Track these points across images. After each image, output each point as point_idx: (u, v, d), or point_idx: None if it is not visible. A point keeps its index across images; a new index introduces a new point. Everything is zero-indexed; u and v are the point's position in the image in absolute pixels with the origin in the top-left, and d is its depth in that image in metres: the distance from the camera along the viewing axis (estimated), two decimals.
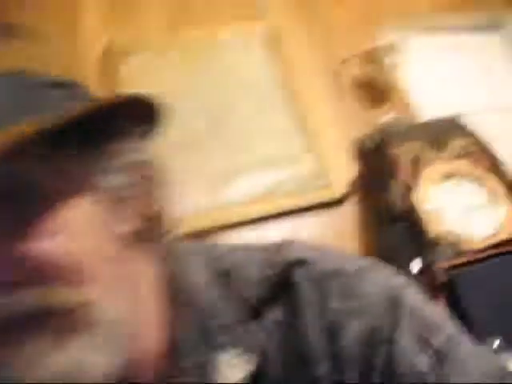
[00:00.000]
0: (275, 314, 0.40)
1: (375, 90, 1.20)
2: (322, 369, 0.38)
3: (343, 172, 1.09)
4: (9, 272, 0.32)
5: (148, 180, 0.39)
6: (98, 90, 1.08)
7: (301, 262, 0.42)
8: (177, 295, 0.40)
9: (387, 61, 1.19)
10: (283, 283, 0.41)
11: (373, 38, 1.21)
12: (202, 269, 0.42)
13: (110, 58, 1.12)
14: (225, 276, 0.42)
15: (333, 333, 0.39)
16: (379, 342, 0.38)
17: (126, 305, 0.36)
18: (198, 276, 0.41)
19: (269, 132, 1.11)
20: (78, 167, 0.36)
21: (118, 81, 1.11)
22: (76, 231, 0.34)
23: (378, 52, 1.19)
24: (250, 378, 0.38)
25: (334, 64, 1.22)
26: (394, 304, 0.40)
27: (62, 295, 0.33)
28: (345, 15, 1.29)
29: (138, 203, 0.38)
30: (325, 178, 1.08)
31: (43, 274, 0.32)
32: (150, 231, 0.39)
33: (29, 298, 0.32)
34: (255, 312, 0.40)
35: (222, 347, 0.38)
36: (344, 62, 1.23)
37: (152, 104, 0.38)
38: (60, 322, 0.33)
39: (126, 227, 0.37)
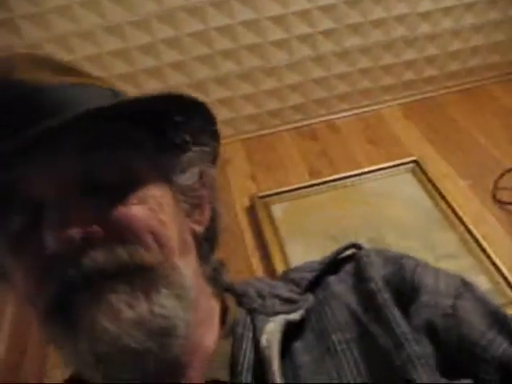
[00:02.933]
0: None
1: None
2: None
3: None
4: (110, 230, 0.36)
5: (209, 187, 0.45)
6: (247, 233, 1.12)
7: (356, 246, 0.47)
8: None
9: None
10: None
11: None
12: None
13: (257, 207, 1.17)
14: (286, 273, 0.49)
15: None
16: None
17: (193, 277, 0.41)
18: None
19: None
20: (162, 159, 0.41)
21: (265, 224, 1.13)
22: (164, 208, 0.39)
23: None
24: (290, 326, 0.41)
25: (485, 183, 1.15)
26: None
27: (151, 255, 0.37)
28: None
29: (203, 205, 0.45)
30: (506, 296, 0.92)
31: (135, 234, 0.37)
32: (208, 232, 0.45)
33: (124, 254, 0.36)
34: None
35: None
36: (501, 176, 1.14)
37: (197, 102, 0.41)
38: (147, 277, 0.37)
39: (194, 226, 0.44)
